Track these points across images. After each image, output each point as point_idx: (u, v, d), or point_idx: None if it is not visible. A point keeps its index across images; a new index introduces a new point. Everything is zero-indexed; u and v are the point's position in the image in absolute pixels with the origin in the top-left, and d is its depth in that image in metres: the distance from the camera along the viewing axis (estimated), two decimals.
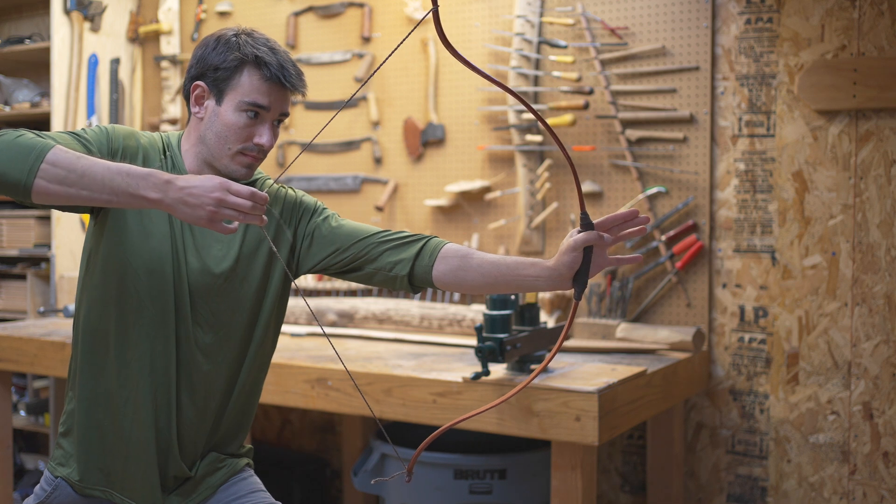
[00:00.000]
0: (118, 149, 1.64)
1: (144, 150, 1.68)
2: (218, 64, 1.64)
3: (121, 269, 1.65)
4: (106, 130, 1.65)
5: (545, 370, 2.35)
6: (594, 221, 1.57)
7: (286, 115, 1.70)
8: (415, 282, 1.73)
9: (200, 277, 1.69)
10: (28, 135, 1.45)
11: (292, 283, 1.80)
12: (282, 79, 1.63)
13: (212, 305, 1.71)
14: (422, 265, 1.71)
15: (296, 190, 1.85)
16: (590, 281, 2.99)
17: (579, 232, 1.57)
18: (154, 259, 1.65)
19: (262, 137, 1.65)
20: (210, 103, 1.66)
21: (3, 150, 1.41)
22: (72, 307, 3.25)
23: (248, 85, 1.63)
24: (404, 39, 1.49)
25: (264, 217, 1.47)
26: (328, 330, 3.13)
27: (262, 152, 1.67)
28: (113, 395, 1.68)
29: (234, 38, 1.66)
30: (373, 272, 1.75)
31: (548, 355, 2.41)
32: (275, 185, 1.83)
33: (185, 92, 1.70)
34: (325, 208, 1.83)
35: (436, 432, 1.63)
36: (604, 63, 2.98)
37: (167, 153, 1.71)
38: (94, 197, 1.41)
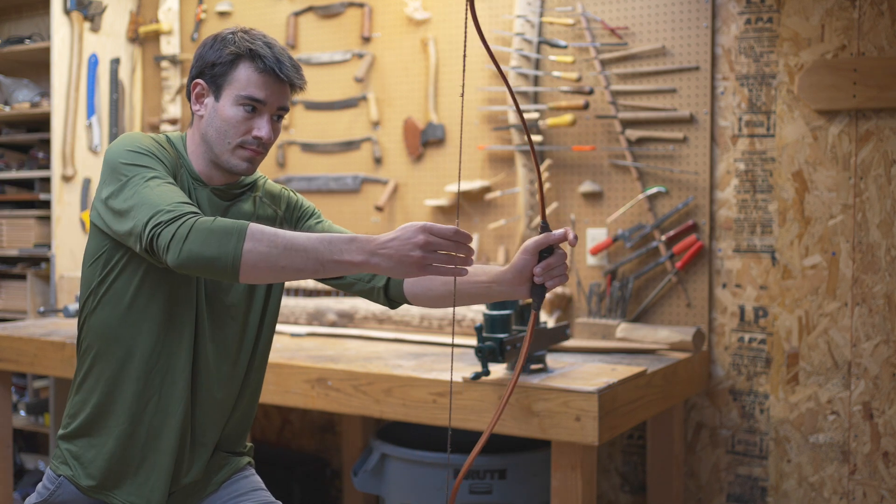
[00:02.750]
0: (169, 164, 1.65)
1: (171, 158, 1.68)
2: (214, 60, 1.66)
3: (152, 282, 1.65)
4: (149, 151, 1.63)
5: (546, 370, 2.36)
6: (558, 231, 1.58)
7: (286, 109, 1.70)
8: (390, 294, 1.76)
9: (216, 283, 1.71)
10: (201, 217, 1.46)
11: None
12: (277, 71, 1.64)
13: (229, 310, 1.73)
14: (395, 280, 1.73)
15: (296, 193, 1.89)
16: (589, 281, 3.00)
17: (537, 237, 1.58)
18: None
19: (261, 130, 1.65)
20: (209, 100, 1.68)
21: (203, 240, 1.42)
22: (72, 307, 3.24)
23: (243, 79, 1.64)
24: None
25: (472, 258, 1.46)
26: (328, 330, 3.13)
27: (261, 146, 1.68)
28: (133, 402, 1.68)
29: (231, 35, 1.68)
30: (353, 281, 1.78)
31: (545, 356, 2.41)
32: (277, 185, 1.86)
33: (188, 92, 1.72)
34: (320, 214, 1.88)
35: (480, 441, 1.57)
36: (604, 63, 2.98)
37: (178, 157, 1.71)
38: (301, 268, 1.42)
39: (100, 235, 1.67)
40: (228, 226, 1.43)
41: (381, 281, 1.74)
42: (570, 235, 1.56)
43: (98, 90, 3.83)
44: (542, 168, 3.07)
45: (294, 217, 1.83)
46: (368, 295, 1.78)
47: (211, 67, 1.66)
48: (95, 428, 1.70)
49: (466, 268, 1.44)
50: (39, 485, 1.77)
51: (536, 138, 3.05)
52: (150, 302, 1.66)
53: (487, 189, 3.20)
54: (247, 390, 1.80)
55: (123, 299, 1.67)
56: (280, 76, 1.65)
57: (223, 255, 1.41)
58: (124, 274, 1.66)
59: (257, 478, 1.87)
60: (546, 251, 1.57)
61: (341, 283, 1.79)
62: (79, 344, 1.75)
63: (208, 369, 1.71)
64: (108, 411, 1.69)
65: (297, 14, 3.59)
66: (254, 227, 1.43)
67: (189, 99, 1.72)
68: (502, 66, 3.12)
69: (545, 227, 1.58)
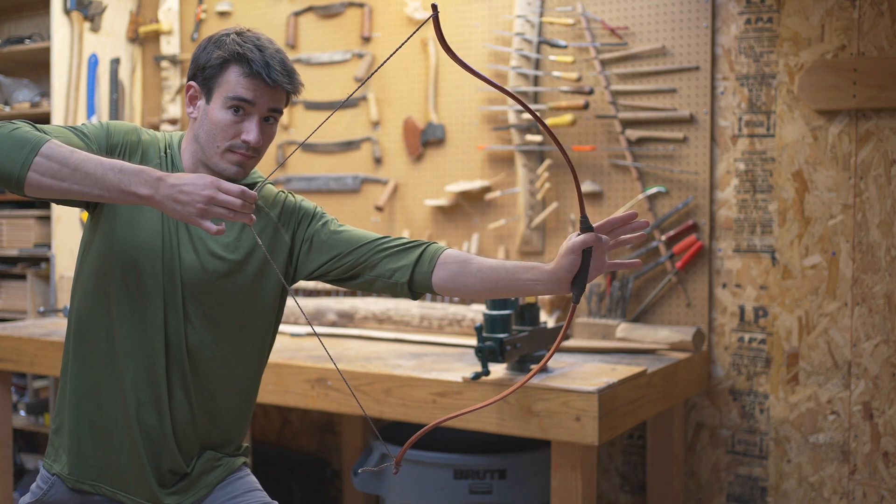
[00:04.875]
0: (117, 144, 1.66)
1: (144, 146, 1.70)
2: (205, 63, 1.66)
3: (110, 263, 1.66)
4: (106, 126, 1.67)
5: (545, 370, 2.35)
6: (594, 224, 1.58)
7: (279, 111, 1.69)
8: (415, 288, 1.74)
9: (195, 274, 1.69)
10: (24, 127, 1.48)
11: (291, 285, 1.81)
12: (264, 75, 1.62)
13: (205, 302, 1.71)
14: (421, 272, 1.71)
15: (295, 195, 1.85)
16: (589, 282, 3.00)
17: (578, 235, 1.58)
18: (143, 252, 1.66)
19: (250, 134, 1.64)
20: (201, 103, 1.68)
21: (1, 140, 1.43)
22: None
23: (232, 81, 1.63)
24: (403, 44, 1.49)
25: (253, 216, 1.49)
26: (327, 329, 3.13)
27: (251, 150, 1.66)
28: (102, 389, 1.69)
29: (224, 38, 1.67)
30: (373, 279, 1.75)
31: (545, 357, 2.42)
32: (274, 188, 1.83)
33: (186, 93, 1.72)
34: (324, 213, 1.83)
35: (425, 428, 1.64)
36: (604, 63, 2.98)
37: (167, 151, 1.71)
38: (86, 192, 1.44)
39: (86, 222, 1.70)
40: (26, 137, 1.45)
41: (403, 276, 1.72)
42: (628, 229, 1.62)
43: (98, 90, 3.83)
44: (542, 168, 3.07)
45: (294, 221, 1.79)
46: (391, 291, 1.75)
47: (202, 70, 1.66)
48: (75, 418, 1.71)
49: (221, 228, 1.46)
50: (34, 484, 1.77)
51: (536, 138, 3.05)
52: (109, 288, 1.66)
53: (487, 189, 3.20)
54: (237, 389, 1.78)
55: (88, 286, 1.69)
56: (266, 80, 1.63)
57: (10, 162, 1.43)
58: (89, 260, 1.68)
59: (253, 478, 1.86)
60: (587, 249, 1.58)
61: (362, 282, 1.77)
62: (66, 334, 1.77)
63: (186, 360, 1.70)
64: (83, 399, 1.70)
65: (297, 14, 3.59)
66: (52, 143, 1.45)
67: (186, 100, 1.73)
68: (499, 66, 3.13)
69: (585, 222, 1.58)
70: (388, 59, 1.56)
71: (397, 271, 1.73)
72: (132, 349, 1.67)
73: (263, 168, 3.59)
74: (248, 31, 1.69)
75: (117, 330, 1.67)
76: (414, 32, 1.48)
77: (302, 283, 3.38)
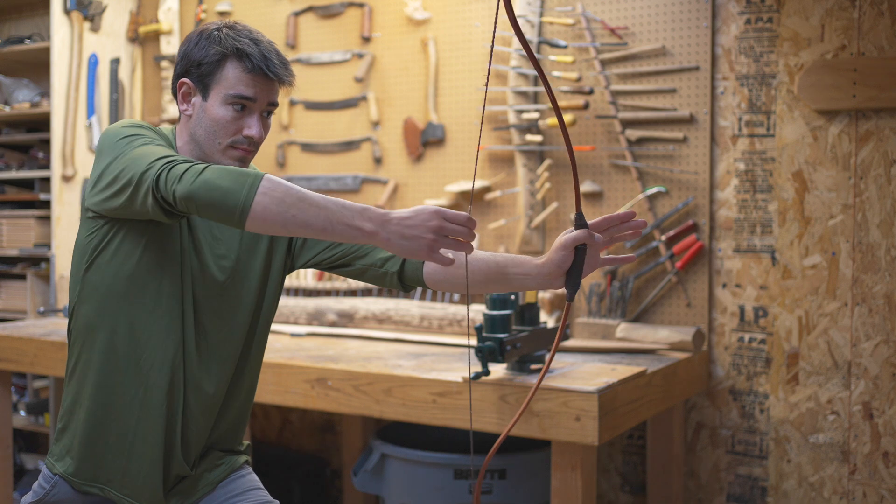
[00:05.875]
0: (166, 144, 1.66)
1: (167, 141, 1.70)
2: (200, 59, 1.64)
3: (134, 269, 1.65)
4: (151, 128, 1.66)
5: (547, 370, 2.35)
6: (590, 222, 1.58)
7: (275, 105, 1.69)
8: (405, 279, 1.74)
9: (202, 277, 1.69)
10: (188, 163, 1.46)
11: (287, 273, 1.82)
12: (265, 69, 1.63)
13: (214, 305, 1.71)
14: (412, 262, 1.71)
15: None
16: (589, 281, 3.00)
17: (572, 231, 1.58)
18: (166, 258, 1.65)
19: (252, 129, 1.64)
20: (197, 100, 1.66)
21: (219, 175, 1.41)
22: None
23: (231, 78, 1.62)
24: (498, 10, 1.49)
25: (472, 245, 1.47)
26: (328, 330, 3.13)
27: (252, 144, 1.66)
28: (120, 394, 1.68)
29: (216, 32, 1.65)
30: (364, 268, 1.76)
31: (548, 356, 2.42)
32: None
33: (174, 90, 1.70)
34: None
35: (500, 438, 1.60)
36: (604, 63, 2.98)
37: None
38: (310, 223, 1.40)
39: (89, 223, 1.67)
40: (245, 170, 1.43)
41: (394, 266, 1.72)
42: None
43: (98, 90, 3.83)
44: (542, 168, 3.07)
45: None
46: (381, 280, 1.75)
47: (197, 66, 1.64)
48: (85, 420, 1.70)
49: (451, 259, 1.44)
50: (36, 483, 1.76)
51: (536, 138, 3.05)
52: (129, 291, 1.65)
53: (487, 189, 3.20)
54: (241, 388, 1.79)
55: (103, 287, 1.66)
56: (269, 74, 1.63)
57: (237, 191, 1.39)
58: (104, 262, 1.66)
59: (254, 476, 1.86)
60: (581, 246, 1.58)
61: (353, 270, 1.77)
62: (68, 336, 1.74)
63: (197, 363, 1.70)
64: (97, 404, 1.68)
65: (297, 14, 3.59)
66: (269, 175, 1.42)
67: (175, 97, 1.70)
68: (499, 66, 3.13)
69: (580, 219, 1.57)
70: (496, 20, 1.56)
71: (388, 261, 1.74)
72: (154, 355, 1.67)
73: (260, 166, 3.59)
74: (237, 23, 1.69)
75: (139, 336, 1.66)
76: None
77: (302, 284, 3.38)
